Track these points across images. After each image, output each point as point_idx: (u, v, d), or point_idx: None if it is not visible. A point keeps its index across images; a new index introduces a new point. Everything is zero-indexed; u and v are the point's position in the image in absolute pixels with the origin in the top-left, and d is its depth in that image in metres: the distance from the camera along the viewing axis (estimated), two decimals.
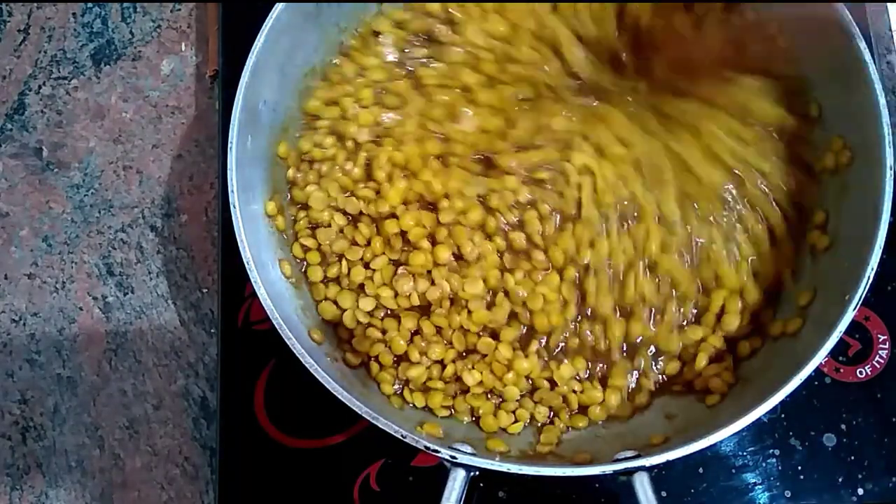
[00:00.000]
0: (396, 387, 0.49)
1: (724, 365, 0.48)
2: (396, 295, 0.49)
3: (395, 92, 0.53)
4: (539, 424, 0.48)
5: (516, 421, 0.48)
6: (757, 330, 0.49)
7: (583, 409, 0.48)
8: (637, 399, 0.48)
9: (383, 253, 0.50)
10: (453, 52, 0.53)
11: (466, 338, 0.49)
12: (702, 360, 0.48)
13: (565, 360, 0.49)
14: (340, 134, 0.52)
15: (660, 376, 0.49)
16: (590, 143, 0.50)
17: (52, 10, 0.65)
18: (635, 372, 0.49)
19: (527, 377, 0.48)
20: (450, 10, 0.53)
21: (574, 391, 0.48)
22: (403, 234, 0.50)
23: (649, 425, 0.47)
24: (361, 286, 0.50)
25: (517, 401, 0.48)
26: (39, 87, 0.63)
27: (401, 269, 0.50)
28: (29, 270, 0.59)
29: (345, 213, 0.51)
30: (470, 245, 0.49)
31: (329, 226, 0.51)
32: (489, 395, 0.49)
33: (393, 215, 0.50)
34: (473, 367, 0.48)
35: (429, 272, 0.50)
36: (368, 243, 0.50)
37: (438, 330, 0.49)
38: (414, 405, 0.48)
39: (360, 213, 0.51)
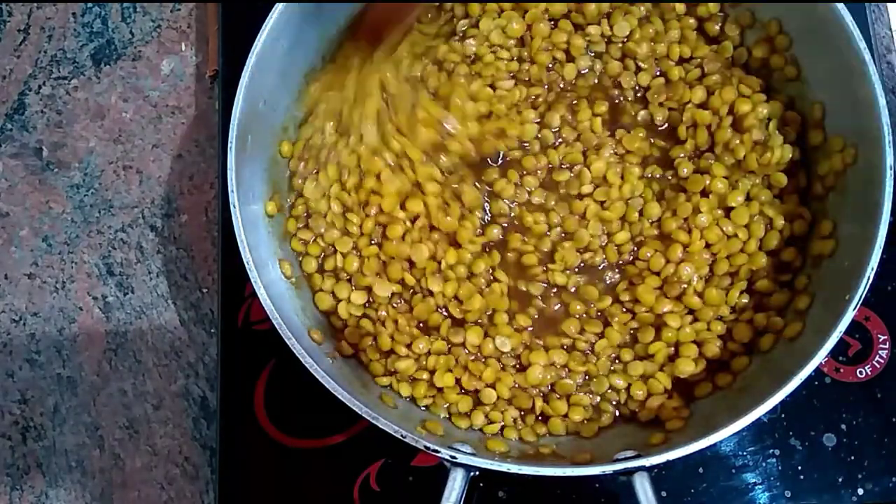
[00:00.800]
0: (386, 379, 0.48)
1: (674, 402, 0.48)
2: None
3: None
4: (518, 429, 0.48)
5: (491, 422, 0.48)
6: (749, 350, 0.48)
7: (545, 419, 0.48)
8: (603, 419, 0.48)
9: (371, 241, 0.50)
10: (469, 44, 0.53)
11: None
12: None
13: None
14: (341, 117, 0.52)
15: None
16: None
17: (52, 10, 0.64)
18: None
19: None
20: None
21: (542, 397, 0.48)
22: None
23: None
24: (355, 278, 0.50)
25: (493, 403, 0.48)
26: (39, 87, 0.63)
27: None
28: (29, 270, 0.59)
29: (339, 202, 0.51)
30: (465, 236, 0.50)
31: (325, 216, 0.51)
32: (465, 392, 0.48)
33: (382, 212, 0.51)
34: (451, 370, 0.48)
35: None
36: (361, 233, 0.50)
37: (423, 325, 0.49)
38: (399, 394, 0.48)
39: (354, 202, 0.51)
